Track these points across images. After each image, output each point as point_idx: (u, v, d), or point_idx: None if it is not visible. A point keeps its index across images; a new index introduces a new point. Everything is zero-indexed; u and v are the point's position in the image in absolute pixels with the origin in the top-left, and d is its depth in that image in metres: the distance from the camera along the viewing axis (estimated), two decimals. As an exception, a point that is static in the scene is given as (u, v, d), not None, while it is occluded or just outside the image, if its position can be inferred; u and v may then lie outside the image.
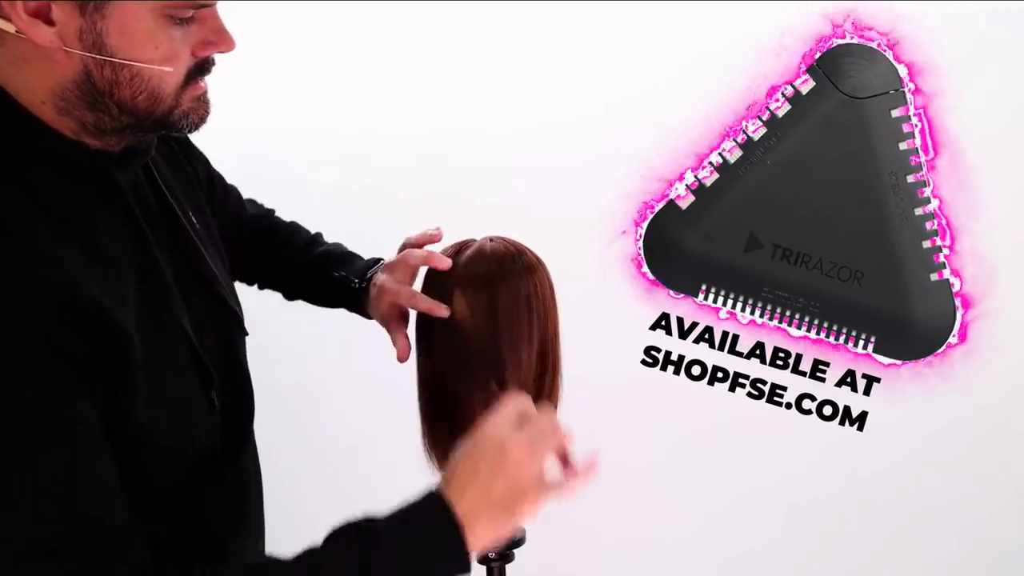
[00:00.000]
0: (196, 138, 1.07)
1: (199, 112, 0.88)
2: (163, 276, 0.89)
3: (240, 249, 1.22)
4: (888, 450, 2.00)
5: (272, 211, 1.35)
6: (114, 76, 0.80)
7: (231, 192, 1.26)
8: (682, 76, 1.93)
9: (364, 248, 1.31)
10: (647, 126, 1.93)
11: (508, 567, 1.12)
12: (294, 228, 1.32)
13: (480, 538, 0.82)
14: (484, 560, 1.11)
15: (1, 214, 0.77)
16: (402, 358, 1.13)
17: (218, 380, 0.93)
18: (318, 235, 1.33)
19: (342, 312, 1.25)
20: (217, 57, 0.88)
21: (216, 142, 1.18)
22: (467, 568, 0.81)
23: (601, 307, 1.92)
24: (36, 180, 0.81)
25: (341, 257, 1.25)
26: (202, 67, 0.86)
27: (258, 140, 1.91)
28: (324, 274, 1.24)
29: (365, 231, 1.38)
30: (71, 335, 0.75)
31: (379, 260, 1.22)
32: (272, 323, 1.20)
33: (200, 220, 1.04)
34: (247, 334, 1.06)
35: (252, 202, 1.33)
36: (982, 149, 1.94)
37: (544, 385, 1.08)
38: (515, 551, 1.12)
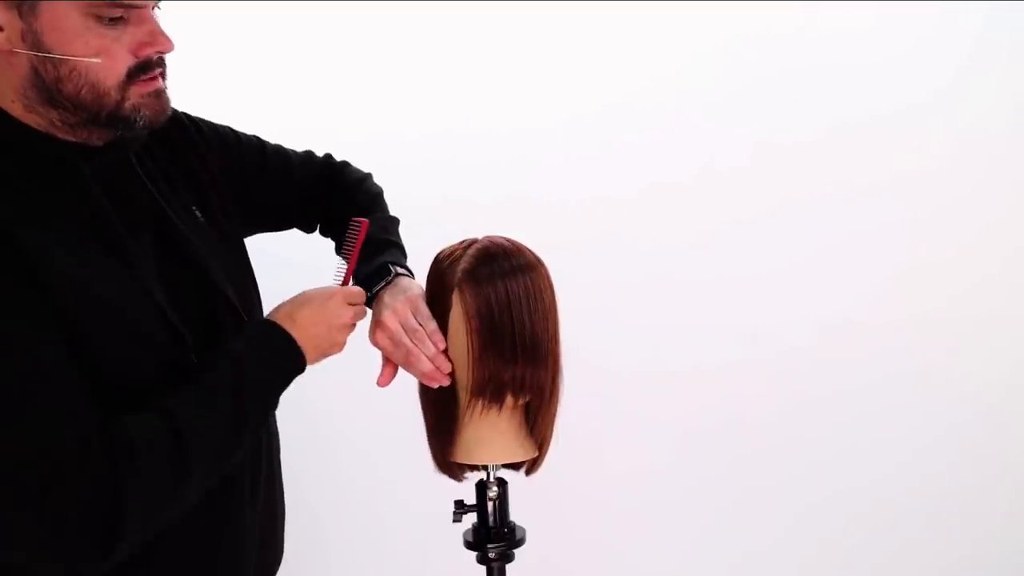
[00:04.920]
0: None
1: (153, 107, 0.95)
2: (130, 258, 0.95)
3: (292, 204, 1.31)
4: (891, 450, 2.00)
5: (359, 178, 1.34)
6: (56, 72, 0.90)
7: (271, 164, 1.27)
8: (682, 77, 1.93)
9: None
10: (647, 127, 1.93)
11: (508, 567, 1.12)
12: (353, 193, 1.32)
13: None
14: (484, 560, 1.11)
15: None
16: (381, 384, 1.14)
17: (198, 357, 0.98)
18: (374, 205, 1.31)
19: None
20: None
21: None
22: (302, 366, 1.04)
23: (602, 306, 1.92)
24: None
25: (370, 245, 1.22)
26: (144, 66, 0.93)
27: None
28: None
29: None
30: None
31: (391, 268, 1.17)
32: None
33: (207, 213, 1.10)
34: (244, 319, 1.08)
35: (339, 166, 1.33)
36: (982, 149, 1.95)
37: (544, 383, 1.08)
38: (515, 551, 1.12)
